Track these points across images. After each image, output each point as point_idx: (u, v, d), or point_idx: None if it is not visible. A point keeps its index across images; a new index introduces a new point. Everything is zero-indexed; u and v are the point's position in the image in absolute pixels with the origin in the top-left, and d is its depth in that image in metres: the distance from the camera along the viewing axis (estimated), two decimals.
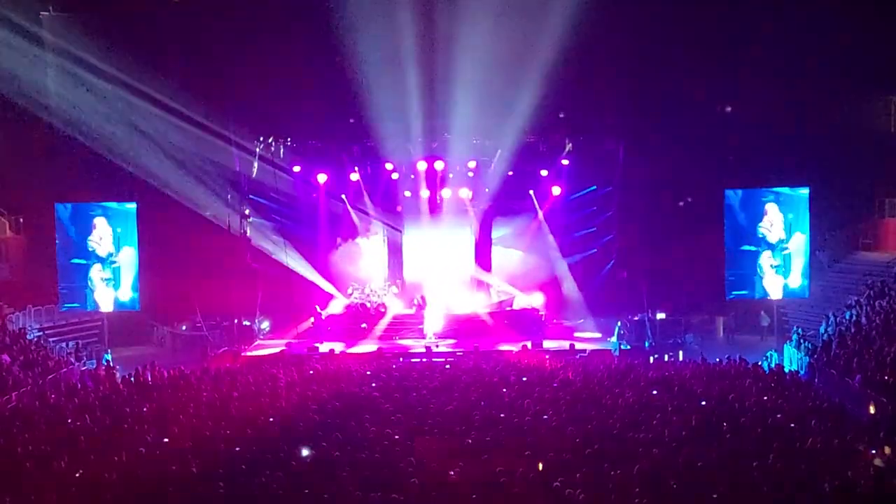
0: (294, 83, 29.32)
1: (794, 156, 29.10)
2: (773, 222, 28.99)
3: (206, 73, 29.62)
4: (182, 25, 29.44)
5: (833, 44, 27.77)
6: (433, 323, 30.26)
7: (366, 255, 34.22)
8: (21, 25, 29.53)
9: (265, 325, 32.49)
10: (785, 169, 28.87)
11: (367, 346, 28.90)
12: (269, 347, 29.71)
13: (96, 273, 29.37)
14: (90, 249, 29.28)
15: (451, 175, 32.74)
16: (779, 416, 17.11)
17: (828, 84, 29.11)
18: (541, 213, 33.36)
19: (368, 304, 32.25)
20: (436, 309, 30.93)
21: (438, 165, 32.31)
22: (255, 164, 32.33)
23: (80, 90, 30.20)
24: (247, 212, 32.82)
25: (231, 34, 28.83)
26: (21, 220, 32.68)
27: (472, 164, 32.31)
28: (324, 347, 28.34)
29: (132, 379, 22.43)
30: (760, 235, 28.65)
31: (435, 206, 33.35)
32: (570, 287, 33.00)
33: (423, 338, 29.78)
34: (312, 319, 31.41)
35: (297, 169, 32.67)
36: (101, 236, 29.85)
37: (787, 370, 22.93)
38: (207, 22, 28.74)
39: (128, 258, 29.39)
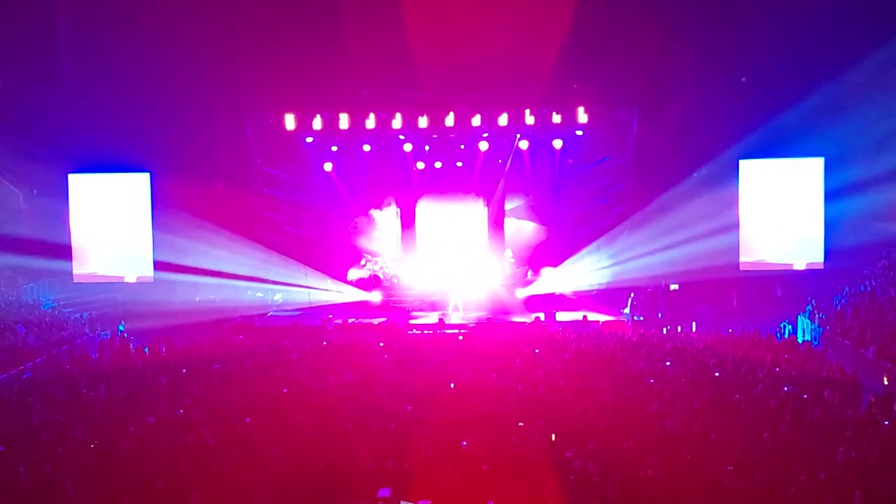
0: (306, 53, 29.11)
1: (810, 125, 28.76)
2: (788, 192, 28.86)
3: (219, 44, 29.38)
4: None
5: (850, 11, 27.38)
6: (450, 295, 30.24)
7: (379, 228, 34.13)
8: None
9: (278, 296, 32.55)
10: (801, 138, 28.59)
11: (379, 318, 28.93)
12: (283, 319, 29.77)
13: (111, 244, 29.47)
14: (104, 220, 29.33)
15: (462, 146, 32.55)
16: (792, 387, 17.09)
17: (843, 52, 28.70)
18: (554, 185, 33.17)
19: (381, 276, 32.30)
20: (450, 282, 30.89)
21: (451, 136, 32.12)
22: (268, 136, 32.21)
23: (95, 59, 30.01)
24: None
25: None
26: (35, 191, 32.67)
27: (485, 136, 32.09)
28: (337, 319, 28.41)
29: (146, 350, 22.58)
30: (775, 206, 28.49)
31: (448, 178, 33.19)
32: (582, 258, 32.86)
33: (437, 310, 29.78)
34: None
35: (309, 140, 32.52)
36: (116, 206, 29.96)
37: (800, 341, 22.85)
38: None
39: (142, 228, 29.45)
